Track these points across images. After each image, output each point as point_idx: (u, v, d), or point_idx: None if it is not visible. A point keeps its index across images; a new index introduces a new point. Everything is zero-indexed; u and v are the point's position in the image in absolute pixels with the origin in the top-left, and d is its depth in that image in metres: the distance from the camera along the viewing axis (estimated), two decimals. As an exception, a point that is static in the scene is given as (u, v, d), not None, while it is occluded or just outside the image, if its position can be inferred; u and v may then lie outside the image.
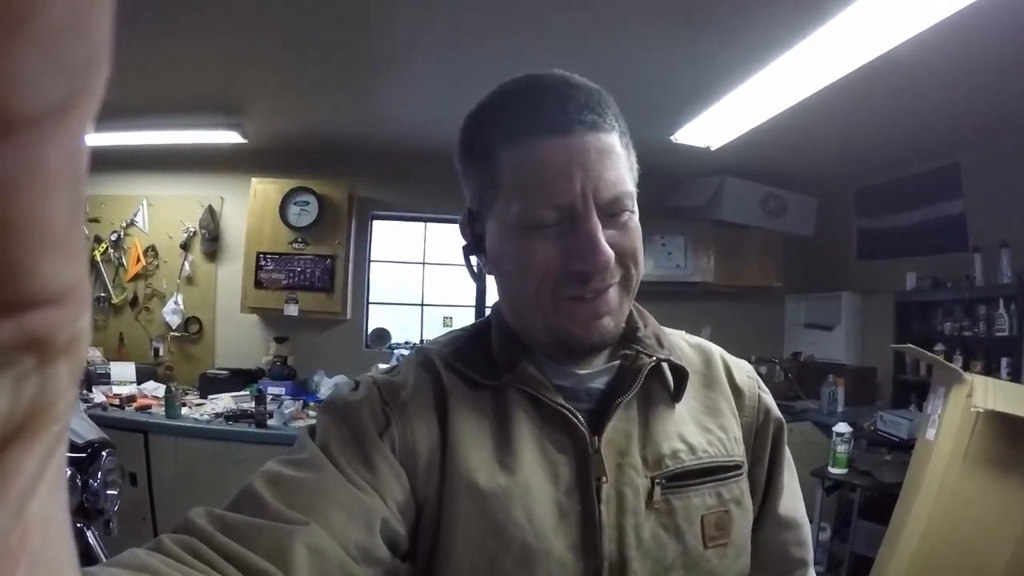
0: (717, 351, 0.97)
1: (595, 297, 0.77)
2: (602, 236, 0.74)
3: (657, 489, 0.79)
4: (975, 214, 4.28)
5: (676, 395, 0.86)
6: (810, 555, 0.95)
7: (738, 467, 0.86)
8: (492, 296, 0.92)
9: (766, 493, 0.93)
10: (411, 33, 3.06)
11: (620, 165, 0.76)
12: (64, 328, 0.16)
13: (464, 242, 0.88)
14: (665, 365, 0.86)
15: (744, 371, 0.96)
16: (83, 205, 0.16)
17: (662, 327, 0.92)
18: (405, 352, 4.54)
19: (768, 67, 2.91)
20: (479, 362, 0.84)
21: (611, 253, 0.74)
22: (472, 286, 5.15)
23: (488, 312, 0.93)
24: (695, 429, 0.85)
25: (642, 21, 2.84)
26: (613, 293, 0.78)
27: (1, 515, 0.15)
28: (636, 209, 0.79)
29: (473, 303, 5.25)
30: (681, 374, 0.85)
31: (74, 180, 0.15)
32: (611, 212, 0.75)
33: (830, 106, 3.33)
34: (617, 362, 0.85)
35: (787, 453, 0.96)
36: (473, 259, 0.89)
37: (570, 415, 0.79)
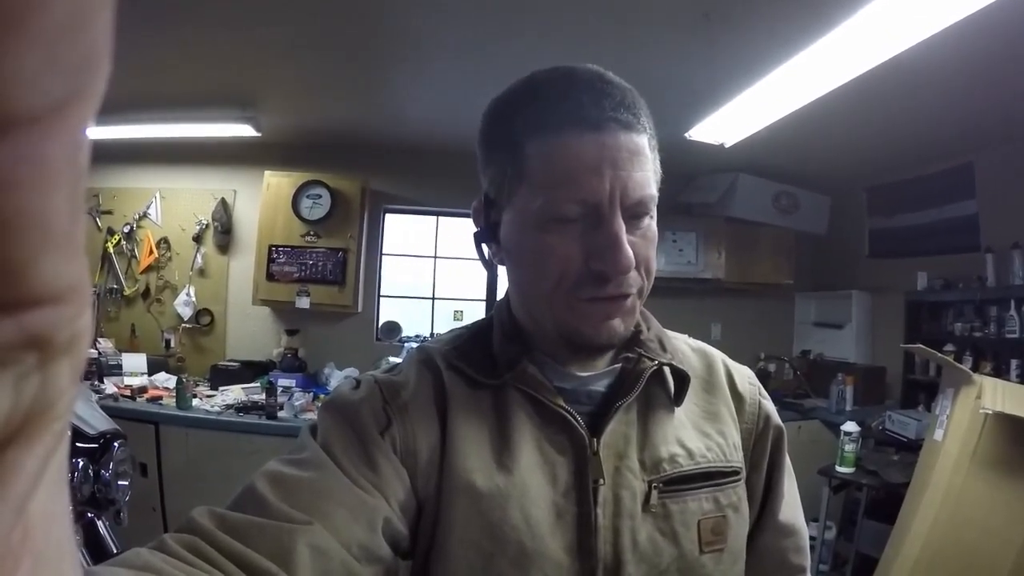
0: (719, 356, 0.97)
1: (610, 300, 0.77)
2: (626, 240, 0.73)
3: (654, 493, 0.79)
4: (988, 215, 4.25)
5: (677, 399, 0.85)
6: (808, 562, 0.95)
7: (736, 473, 0.86)
8: (503, 290, 0.92)
9: (767, 499, 0.93)
10: (425, 28, 3.06)
11: (647, 168, 0.76)
12: (65, 327, 0.16)
13: (476, 229, 0.87)
14: (667, 369, 0.86)
15: (746, 377, 0.96)
16: (83, 203, 0.16)
17: (665, 330, 0.92)
18: (416, 345, 4.54)
19: (784, 66, 2.90)
20: (480, 361, 0.83)
21: (633, 257, 0.73)
22: (483, 280, 5.17)
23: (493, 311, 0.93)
24: (694, 434, 0.85)
25: (659, 18, 2.83)
26: (629, 300, 0.78)
27: (3, 514, 0.15)
28: (655, 215, 0.79)
29: (484, 297, 5.27)
30: (682, 378, 0.85)
31: (74, 178, 0.15)
32: (634, 214, 0.75)
33: (844, 105, 3.31)
34: (619, 365, 0.85)
35: (787, 460, 0.96)
36: (484, 247, 0.88)
37: (569, 417, 0.79)
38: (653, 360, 0.84)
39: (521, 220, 0.78)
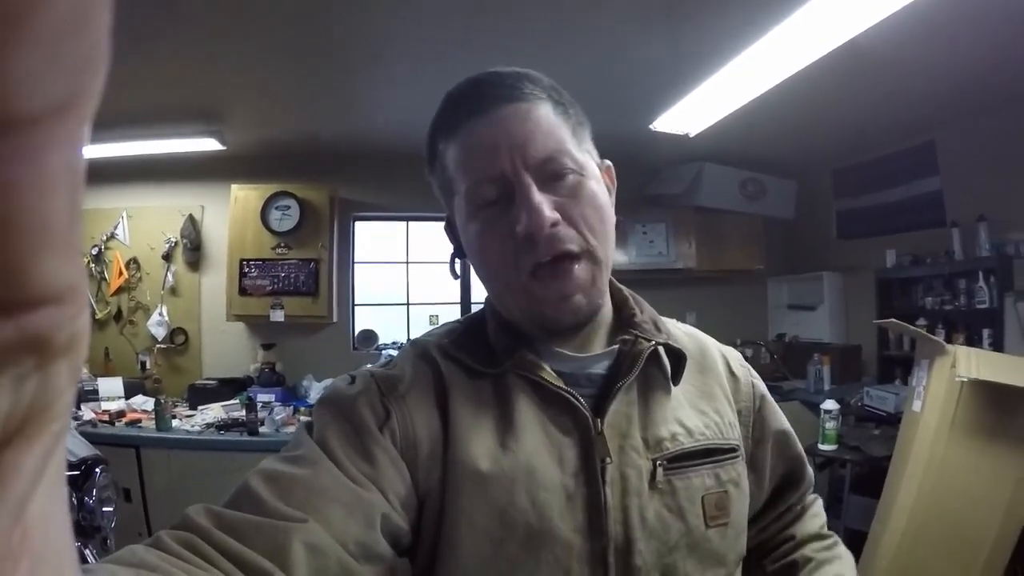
0: (710, 339, 1.00)
1: (558, 272, 0.77)
2: (537, 195, 0.75)
3: (659, 470, 0.80)
4: (951, 190, 4.33)
5: (674, 378, 0.86)
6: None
7: (733, 450, 0.87)
8: (477, 292, 0.95)
9: (795, 466, 1.02)
10: (387, 34, 3.05)
11: (550, 128, 0.77)
12: (64, 327, 0.16)
13: (451, 248, 0.90)
14: (662, 350, 0.86)
15: (737, 359, 0.99)
16: (82, 204, 0.16)
17: (658, 315, 0.93)
18: (393, 352, 4.53)
19: (744, 52, 2.93)
20: (478, 351, 0.84)
21: (548, 213, 0.74)
22: (457, 283, 5.16)
23: (477, 307, 0.94)
24: (691, 412, 0.86)
25: (620, 11, 2.85)
26: (579, 270, 0.78)
27: (2, 515, 0.15)
28: (590, 172, 0.80)
29: (458, 300, 5.26)
30: (678, 357, 0.86)
31: (73, 179, 0.15)
32: (550, 174, 0.77)
33: (806, 89, 3.35)
34: (616, 347, 0.86)
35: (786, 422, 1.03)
36: (460, 262, 0.91)
37: (572, 398, 0.80)
38: (649, 341, 0.85)
39: (461, 222, 0.83)
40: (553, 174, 0.76)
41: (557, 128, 0.78)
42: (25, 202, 0.14)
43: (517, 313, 0.83)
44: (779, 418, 1.00)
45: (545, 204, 0.74)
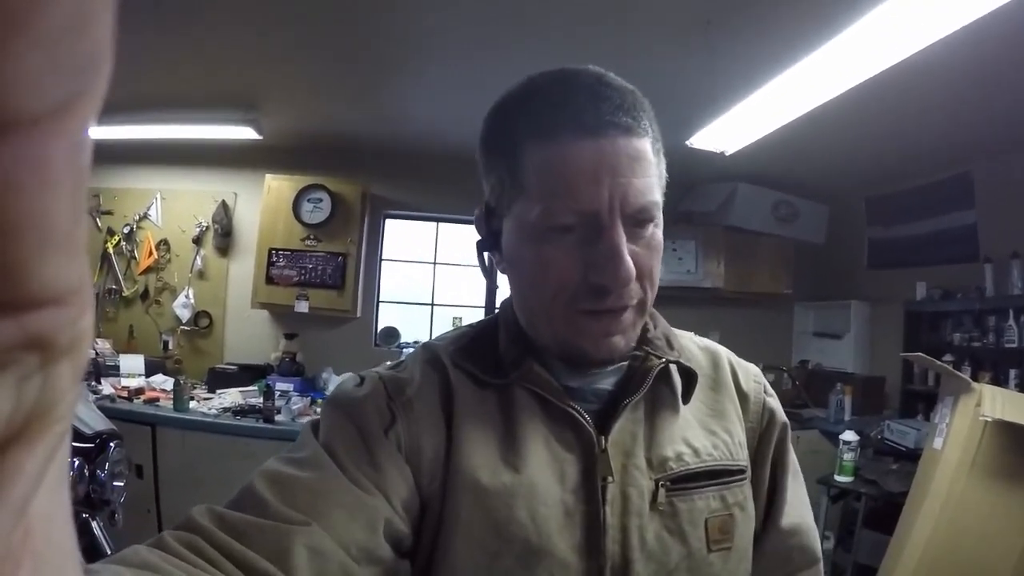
0: (725, 354, 0.95)
1: (609, 314, 0.75)
2: (626, 249, 0.71)
3: (661, 491, 0.78)
4: (986, 225, 4.26)
5: (685, 397, 0.84)
6: (818, 554, 0.92)
7: (742, 472, 0.85)
8: (502, 296, 0.92)
9: (771, 503, 0.90)
10: (427, 33, 3.08)
11: (650, 173, 0.73)
12: (67, 328, 0.16)
13: (479, 237, 0.85)
14: (673, 367, 0.84)
15: (751, 376, 0.94)
16: (85, 205, 0.16)
17: (672, 328, 0.91)
18: (420, 343, 4.54)
19: (784, 74, 2.91)
20: (486, 361, 0.82)
21: (633, 268, 0.71)
22: (483, 286, 5.16)
23: (497, 311, 0.91)
24: (700, 432, 0.84)
25: (661, 26, 2.85)
26: (627, 315, 0.76)
27: (3, 516, 0.15)
28: (661, 221, 0.77)
29: (483, 304, 5.26)
30: (690, 376, 0.84)
31: (76, 180, 0.15)
32: (636, 222, 0.73)
33: (844, 114, 3.32)
34: (626, 363, 0.84)
35: (792, 457, 0.94)
36: (487, 256, 0.86)
37: (577, 415, 0.78)
38: (660, 358, 0.83)
39: (520, 230, 0.77)
40: (639, 223, 0.73)
41: (653, 173, 0.74)
42: (26, 203, 0.14)
43: (548, 338, 0.81)
44: (778, 448, 0.92)
45: (630, 260, 0.71)
